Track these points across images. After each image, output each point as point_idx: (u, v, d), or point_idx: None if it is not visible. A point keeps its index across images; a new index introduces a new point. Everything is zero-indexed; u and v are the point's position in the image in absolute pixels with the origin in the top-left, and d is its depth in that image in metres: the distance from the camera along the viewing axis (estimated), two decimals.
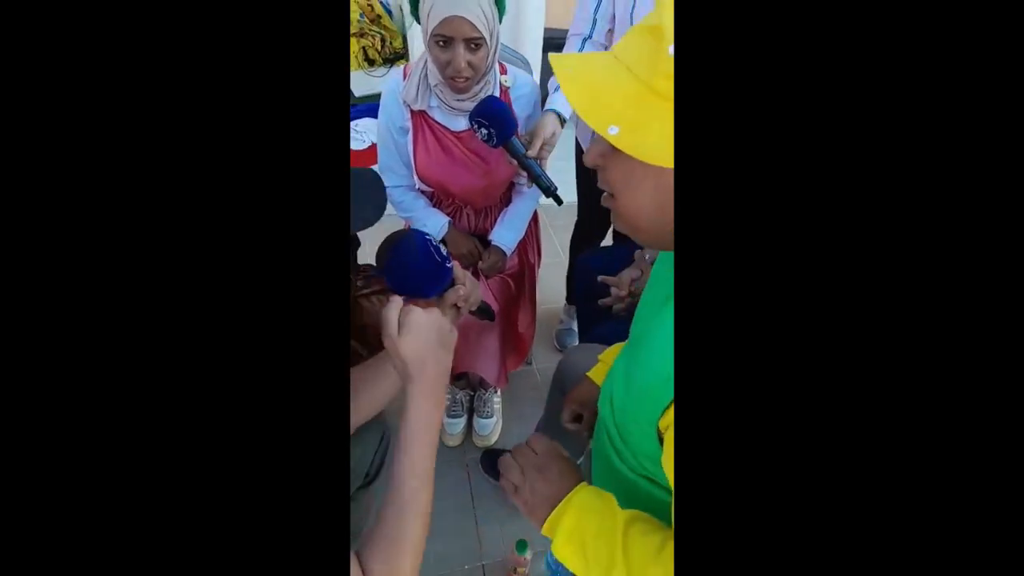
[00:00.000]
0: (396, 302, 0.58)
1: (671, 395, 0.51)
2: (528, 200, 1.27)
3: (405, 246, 0.64)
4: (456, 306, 0.67)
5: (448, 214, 1.26)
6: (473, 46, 0.96)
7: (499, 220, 1.27)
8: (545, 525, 0.60)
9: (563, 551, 0.58)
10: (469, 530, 1.31)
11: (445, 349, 0.60)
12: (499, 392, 1.53)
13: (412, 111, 1.11)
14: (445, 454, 1.44)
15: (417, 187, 1.24)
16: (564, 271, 1.72)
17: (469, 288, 0.67)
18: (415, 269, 0.63)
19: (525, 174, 1.05)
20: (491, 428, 1.49)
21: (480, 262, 1.27)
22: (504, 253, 1.25)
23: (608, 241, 1.52)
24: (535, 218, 1.35)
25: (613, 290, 0.97)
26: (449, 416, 1.48)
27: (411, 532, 0.53)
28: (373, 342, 1.15)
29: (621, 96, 0.45)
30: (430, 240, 0.64)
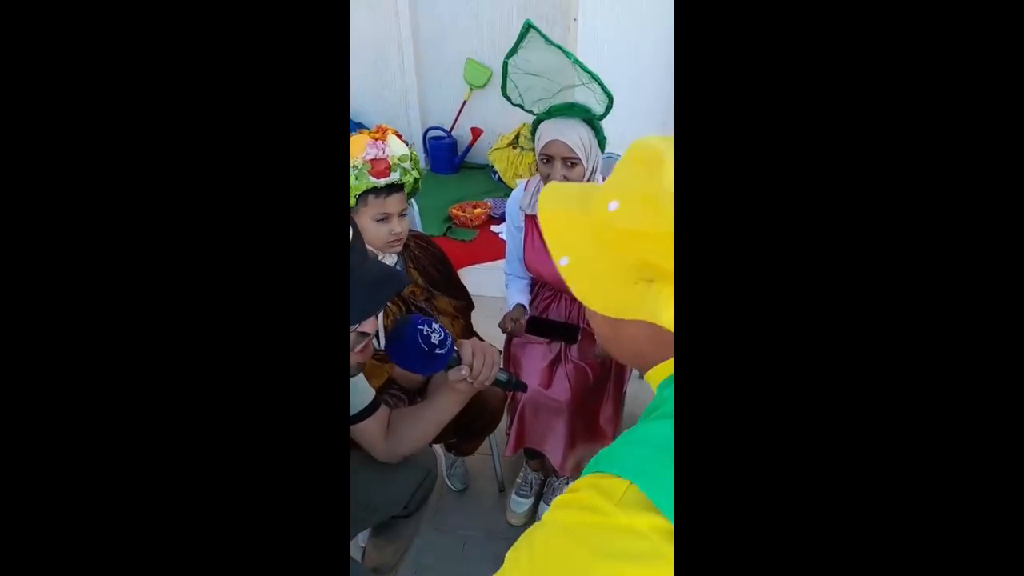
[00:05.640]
0: None
1: None
2: None
3: (401, 334, 0.80)
4: (468, 381, 0.83)
5: (547, 298, 1.47)
6: (570, 164, 1.22)
7: None
8: None
9: None
10: None
11: None
12: (569, 483, 1.56)
13: (526, 215, 1.39)
14: (508, 532, 1.50)
15: (526, 276, 1.48)
16: None
17: (477, 369, 0.83)
18: (405, 355, 0.80)
19: None
20: None
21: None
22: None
23: None
24: None
25: None
26: (517, 495, 1.55)
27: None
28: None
29: (575, 232, 0.46)
30: (421, 331, 0.80)
